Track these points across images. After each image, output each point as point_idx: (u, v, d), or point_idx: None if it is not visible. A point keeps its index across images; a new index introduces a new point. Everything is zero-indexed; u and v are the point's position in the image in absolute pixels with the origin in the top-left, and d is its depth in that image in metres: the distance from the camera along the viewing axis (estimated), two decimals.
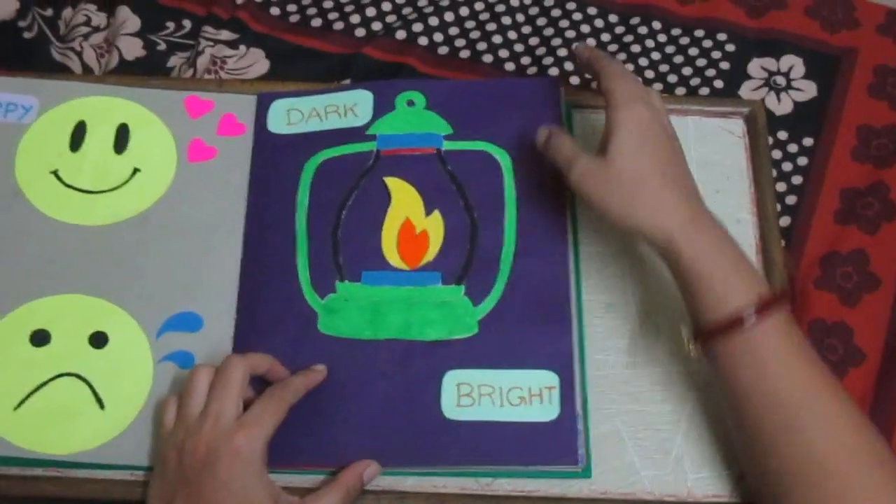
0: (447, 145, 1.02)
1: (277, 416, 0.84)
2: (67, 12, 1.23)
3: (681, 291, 0.85)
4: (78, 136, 1.03)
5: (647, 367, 0.95)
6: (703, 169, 1.03)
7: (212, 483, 0.80)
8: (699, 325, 0.83)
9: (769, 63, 1.21)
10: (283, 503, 0.84)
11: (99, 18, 1.23)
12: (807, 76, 1.20)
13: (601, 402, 0.94)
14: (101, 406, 0.93)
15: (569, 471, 0.90)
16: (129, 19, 1.22)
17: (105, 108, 1.05)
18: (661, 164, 0.86)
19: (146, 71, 1.18)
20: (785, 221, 1.10)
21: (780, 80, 1.20)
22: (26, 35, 1.21)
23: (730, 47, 1.22)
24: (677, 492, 0.91)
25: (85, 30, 1.22)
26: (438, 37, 1.23)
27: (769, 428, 0.80)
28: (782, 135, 1.16)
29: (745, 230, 1.01)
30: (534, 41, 1.23)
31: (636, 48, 1.22)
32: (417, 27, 1.23)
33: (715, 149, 1.05)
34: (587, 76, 1.17)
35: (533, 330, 0.93)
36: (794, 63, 1.21)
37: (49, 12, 1.23)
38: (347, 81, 1.18)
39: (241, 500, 0.80)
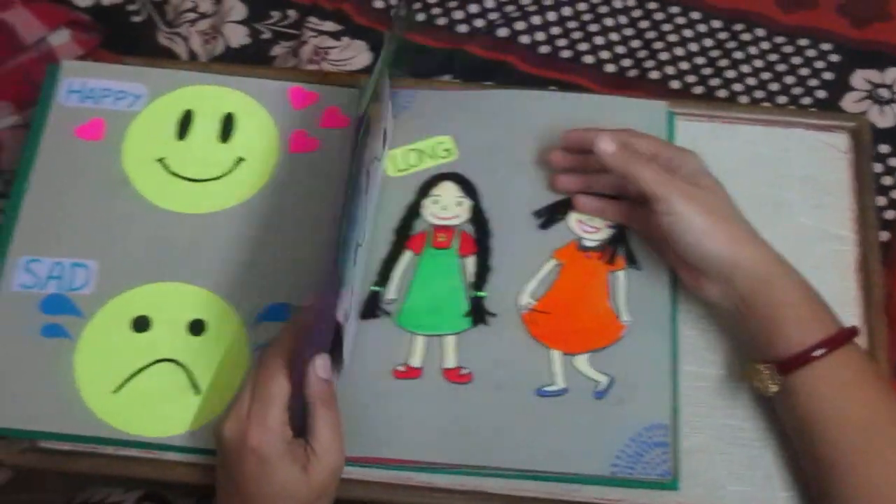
0: None
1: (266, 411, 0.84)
2: None
3: (757, 326, 0.87)
4: (184, 125, 1.04)
5: (739, 381, 0.94)
6: (804, 183, 1.02)
7: (250, 475, 0.82)
8: (783, 356, 0.85)
9: (873, 75, 1.20)
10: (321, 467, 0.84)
11: (206, 5, 1.25)
12: None
13: (692, 415, 0.93)
14: (197, 392, 0.95)
15: (657, 482, 0.90)
16: (235, 7, 1.23)
17: (212, 97, 1.06)
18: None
19: (250, 58, 1.20)
20: (883, 236, 1.09)
21: (884, 93, 1.18)
22: (135, 19, 1.24)
23: (834, 58, 1.21)
24: None
25: (192, 16, 1.24)
26: (540, 36, 1.23)
27: (843, 453, 0.82)
28: (884, 148, 1.15)
29: (844, 248, 0.99)
30: (635, 44, 1.23)
31: (739, 55, 1.22)
32: (520, 25, 1.23)
33: (817, 163, 1.03)
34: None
35: None
36: None
37: None
38: (447, 77, 1.18)
39: (273, 487, 0.82)
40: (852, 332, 0.85)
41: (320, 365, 0.84)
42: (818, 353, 0.83)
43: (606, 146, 0.90)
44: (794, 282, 0.86)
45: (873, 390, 0.84)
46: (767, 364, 0.86)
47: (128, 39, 1.21)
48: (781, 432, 0.92)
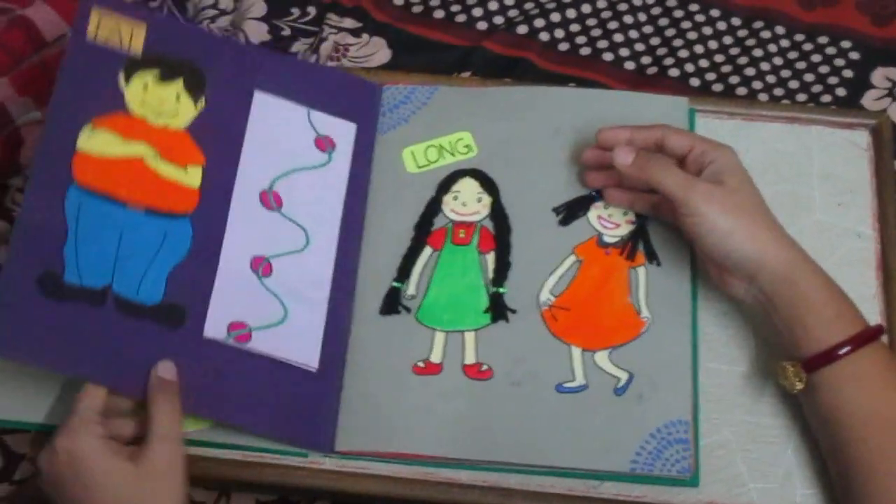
0: None
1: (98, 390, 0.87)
2: None
3: (782, 324, 0.87)
4: None
5: (760, 378, 0.94)
6: (825, 181, 1.02)
7: (82, 482, 0.83)
8: (807, 355, 0.85)
9: (893, 73, 1.20)
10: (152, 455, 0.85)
11: (226, 2, 1.25)
12: None
13: (712, 412, 0.93)
14: None
15: (677, 478, 0.89)
16: (255, 4, 1.24)
17: None
18: (767, 206, 0.90)
19: None
20: None
21: None
22: None
23: (854, 55, 1.21)
24: None
25: (212, 12, 1.24)
26: (559, 33, 1.23)
27: (872, 452, 0.82)
28: None
29: (865, 245, 0.99)
30: (655, 41, 1.23)
31: (758, 52, 1.21)
32: (539, 22, 1.23)
33: (838, 161, 1.03)
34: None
35: None
36: None
37: None
38: (467, 75, 1.19)
39: (108, 479, 0.83)
40: (878, 331, 0.85)
41: (163, 367, 0.88)
42: (843, 350, 0.83)
43: (623, 160, 0.92)
44: (820, 280, 0.86)
45: None
46: (792, 362, 0.87)
47: None
48: (802, 429, 0.92)
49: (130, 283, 0.92)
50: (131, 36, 0.99)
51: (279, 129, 1.02)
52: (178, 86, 0.99)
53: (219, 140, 1.00)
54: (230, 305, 0.95)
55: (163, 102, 0.98)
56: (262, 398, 0.92)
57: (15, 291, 0.89)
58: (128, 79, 0.98)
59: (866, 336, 0.84)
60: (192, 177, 0.97)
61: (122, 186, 0.94)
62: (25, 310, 0.88)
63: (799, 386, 0.86)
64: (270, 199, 0.99)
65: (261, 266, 0.97)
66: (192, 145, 0.99)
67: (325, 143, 1.02)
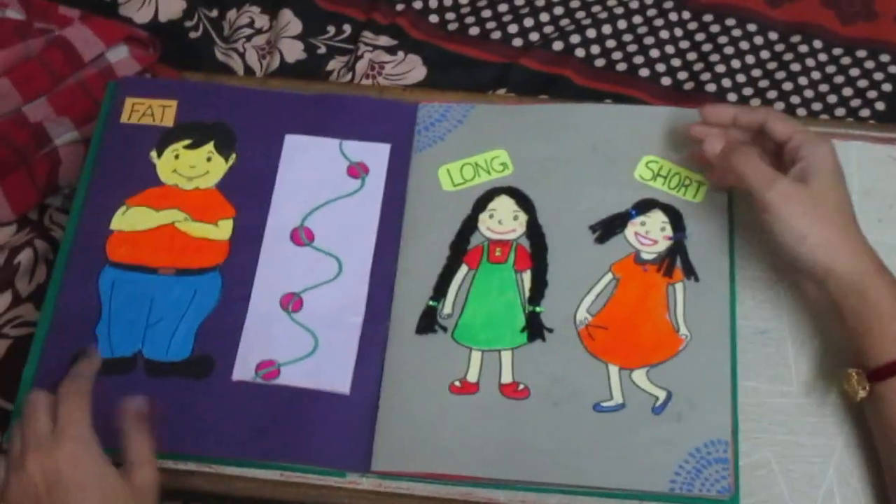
0: None
1: (86, 401, 0.86)
2: (232, 14, 1.26)
3: (850, 332, 0.87)
4: None
5: (799, 396, 0.94)
6: (865, 197, 1.01)
7: (71, 492, 0.81)
8: (874, 364, 0.85)
9: None
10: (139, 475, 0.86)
11: (262, 20, 1.25)
12: None
13: (752, 431, 0.93)
14: None
15: (717, 499, 0.89)
16: (291, 22, 1.24)
17: None
18: (852, 209, 0.89)
19: (306, 74, 1.21)
20: None
21: None
22: (192, 35, 1.25)
23: (893, 69, 1.20)
24: None
25: (248, 31, 1.24)
26: (595, 49, 1.22)
27: None
28: None
29: None
30: (691, 56, 1.22)
31: (796, 67, 1.20)
32: (575, 39, 1.23)
33: (879, 176, 1.03)
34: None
35: None
36: None
37: (214, 13, 1.26)
38: (503, 92, 1.18)
39: (102, 491, 0.82)
40: None
41: (133, 403, 0.90)
42: None
43: (711, 148, 0.93)
44: (890, 293, 0.85)
45: None
46: (857, 369, 0.87)
47: (185, 55, 1.22)
48: (843, 447, 0.92)
49: (160, 345, 0.97)
50: (163, 113, 1.03)
51: (311, 166, 1.04)
52: (208, 148, 1.03)
53: (250, 189, 1.03)
54: (259, 346, 0.97)
55: (194, 167, 1.03)
56: (295, 429, 0.93)
57: (52, 376, 0.93)
58: (160, 153, 1.03)
59: None
60: (222, 230, 1.01)
61: (154, 254, 0.98)
62: None
63: (862, 394, 0.86)
64: (301, 236, 1.01)
65: (291, 303, 0.98)
66: (223, 201, 1.02)
67: (357, 170, 1.03)
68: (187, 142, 1.04)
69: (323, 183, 1.03)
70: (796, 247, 0.86)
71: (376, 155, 1.04)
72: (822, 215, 0.86)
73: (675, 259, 0.97)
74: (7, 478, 0.84)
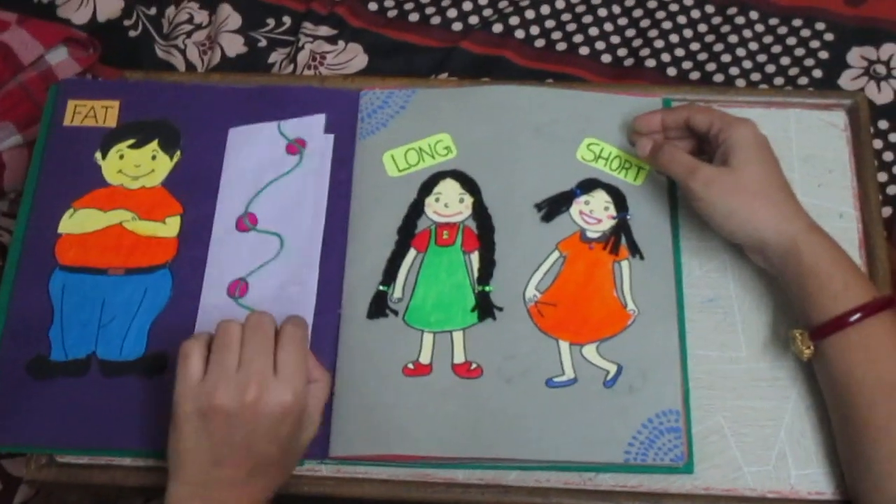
0: None
1: (307, 361, 0.87)
2: (170, 11, 1.26)
3: (793, 294, 0.90)
4: None
5: (749, 362, 0.95)
6: (805, 163, 1.03)
7: (264, 438, 0.82)
8: (816, 323, 0.87)
9: (869, 52, 1.20)
10: (307, 437, 0.88)
11: (201, 16, 1.25)
12: None
13: (703, 399, 0.94)
14: None
15: (671, 466, 0.90)
16: (230, 16, 1.24)
17: None
18: (779, 177, 0.92)
19: (248, 67, 1.21)
20: (886, 212, 1.10)
21: (881, 69, 1.19)
22: (131, 34, 1.25)
23: (828, 36, 1.21)
24: (780, 488, 0.91)
25: (188, 27, 1.24)
26: (535, 30, 1.23)
27: (881, 415, 0.84)
28: (883, 124, 1.15)
29: (848, 224, 1.00)
30: (630, 33, 1.23)
31: (734, 38, 1.22)
32: (514, 20, 1.24)
33: (817, 142, 1.04)
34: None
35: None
36: (894, 52, 1.20)
37: (153, 11, 1.26)
38: (445, 75, 1.19)
39: (287, 449, 0.85)
40: (889, 302, 0.87)
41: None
42: (854, 318, 0.85)
43: (641, 152, 0.98)
44: (826, 253, 0.88)
45: None
46: (801, 330, 0.89)
47: (126, 54, 1.22)
48: (794, 411, 0.93)
49: (113, 345, 0.96)
50: (106, 114, 1.03)
51: (253, 153, 1.04)
52: (152, 146, 1.03)
53: (196, 185, 1.03)
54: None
55: (139, 166, 1.03)
56: None
57: (6, 382, 0.94)
58: (104, 154, 1.03)
59: (877, 305, 0.86)
60: (170, 228, 1.01)
61: (103, 255, 0.98)
62: (16, 397, 0.93)
63: (807, 353, 0.89)
64: (246, 222, 1.01)
65: (237, 288, 0.98)
66: (170, 198, 1.02)
67: (296, 147, 1.04)
68: (131, 141, 1.04)
69: (264, 166, 1.03)
70: (726, 225, 0.91)
71: (312, 127, 1.04)
72: (746, 191, 0.90)
73: (620, 237, 0.98)
74: (208, 389, 0.82)
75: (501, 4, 1.25)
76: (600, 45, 1.22)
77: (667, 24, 1.23)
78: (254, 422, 0.81)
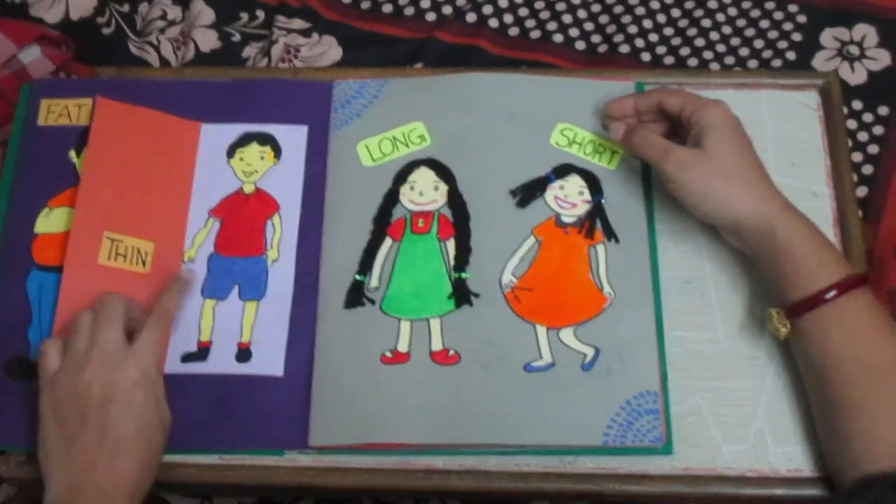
0: None
1: (165, 335, 0.92)
2: (143, 7, 1.25)
3: (768, 273, 0.90)
4: None
5: (726, 342, 0.95)
6: (778, 143, 1.03)
7: (114, 411, 0.84)
8: (791, 301, 0.87)
9: (842, 33, 1.20)
10: (166, 417, 0.89)
11: (174, 12, 1.25)
12: (880, 45, 1.19)
13: (681, 380, 0.94)
14: None
15: (650, 448, 0.90)
16: (203, 11, 1.24)
17: None
18: (752, 157, 0.92)
19: (222, 62, 1.21)
20: (862, 192, 1.10)
21: (854, 50, 1.19)
22: (105, 31, 1.24)
23: (801, 18, 1.22)
24: (759, 467, 0.91)
25: (161, 24, 1.24)
26: (508, 18, 1.24)
27: (858, 391, 0.84)
28: (857, 105, 1.15)
29: (822, 203, 1.00)
30: (604, 19, 1.23)
31: (707, 22, 1.22)
32: (487, 9, 1.24)
33: (790, 122, 1.04)
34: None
35: None
36: (866, 32, 1.20)
37: (125, 8, 1.25)
38: (419, 66, 1.19)
39: (143, 420, 0.85)
40: (863, 279, 0.87)
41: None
42: (829, 295, 0.85)
43: (614, 136, 0.99)
44: (800, 232, 0.88)
45: (885, 332, 0.86)
46: (777, 309, 0.89)
47: (99, 52, 1.22)
48: (771, 390, 0.93)
49: None
50: (79, 112, 1.03)
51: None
52: None
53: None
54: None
55: None
56: (232, 417, 0.94)
57: None
58: (79, 152, 1.02)
59: (852, 282, 0.86)
60: None
61: None
62: None
63: (784, 331, 0.89)
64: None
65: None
66: None
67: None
68: None
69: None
70: (701, 206, 0.91)
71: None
72: (719, 172, 0.90)
73: (595, 221, 0.99)
74: (58, 377, 0.86)
75: None
76: (574, 32, 1.22)
77: (640, 10, 1.23)
78: (101, 395, 0.84)
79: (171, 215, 1.01)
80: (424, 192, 1.01)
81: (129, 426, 0.84)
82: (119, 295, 0.89)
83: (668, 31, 1.22)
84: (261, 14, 1.24)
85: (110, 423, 0.84)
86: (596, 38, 1.22)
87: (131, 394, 0.85)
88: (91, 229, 0.95)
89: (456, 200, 1.00)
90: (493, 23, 1.23)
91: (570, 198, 1.00)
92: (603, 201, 1.00)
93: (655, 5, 1.23)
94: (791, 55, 1.19)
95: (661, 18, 1.22)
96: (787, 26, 1.21)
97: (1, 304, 0.97)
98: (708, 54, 1.20)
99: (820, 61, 1.18)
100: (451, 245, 0.98)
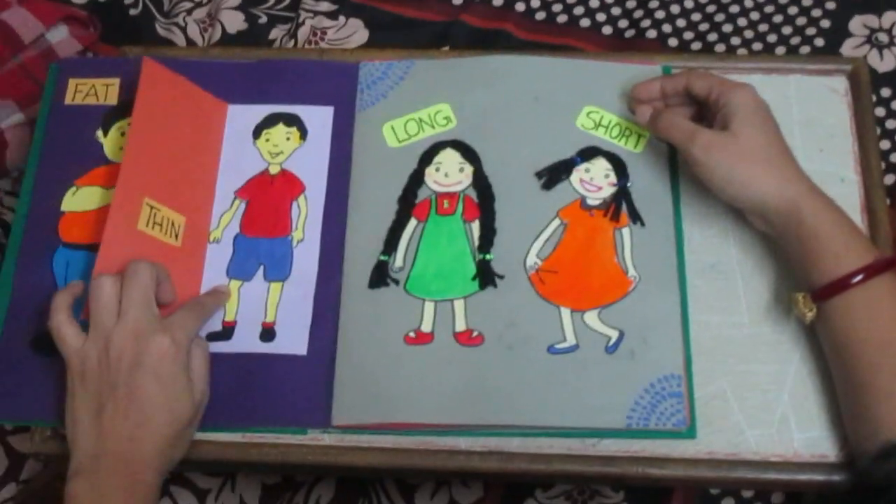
0: None
1: (198, 323, 0.91)
2: None
3: (795, 257, 0.90)
4: None
5: (751, 327, 0.95)
6: (806, 128, 1.02)
7: (143, 379, 0.84)
8: (818, 285, 0.87)
9: (871, 20, 1.20)
10: (199, 393, 0.89)
11: None
12: None
13: (706, 363, 0.94)
14: None
15: (673, 431, 0.90)
16: None
17: None
18: (779, 140, 0.92)
19: (248, 43, 1.21)
20: (889, 179, 1.09)
21: (883, 37, 1.18)
22: (132, 12, 1.25)
23: (830, 5, 1.21)
24: (783, 452, 0.91)
25: (188, 5, 1.25)
26: (535, 2, 1.23)
27: (885, 376, 0.84)
28: (885, 92, 1.15)
29: (849, 189, 1.00)
30: (631, 4, 1.23)
31: (735, 8, 1.22)
32: None
33: (818, 108, 1.04)
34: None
35: None
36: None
37: None
38: (447, 48, 1.19)
39: (172, 392, 0.86)
40: (891, 263, 0.87)
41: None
42: (856, 279, 0.85)
43: (640, 119, 0.99)
44: (827, 216, 0.88)
45: None
46: (803, 293, 0.89)
47: (126, 32, 1.23)
48: (796, 374, 0.93)
49: None
50: (106, 92, 1.03)
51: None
52: None
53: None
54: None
55: None
56: (255, 395, 0.94)
57: (10, 358, 0.95)
58: (105, 131, 1.03)
59: (879, 266, 0.86)
60: None
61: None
62: (21, 372, 0.94)
63: (810, 315, 0.88)
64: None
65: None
66: None
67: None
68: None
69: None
70: (727, 189, 0.91)
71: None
72: (746, 155, 0.90)
73: (621, 204, 0.98)
74: (87, 351, 0.86)
75: None
76: (601, 17, 1.22)
77: None
78: (131, 362, 0.84)
79: (201, 192, 1.01)
80: (450, 173, 1.01)
81: (157, 395, 0.84)
82: (148, 262, 0.89)
83: (696, 16, 1.21)
84: None
85: (137, 391, 0.84)
86: (623, 23, 1.22)
87: (160, 363, 0.85)
88: (133, 193, 0.94)
89: (481, 182, 1.00)
90: (520, 6, 1.23)
91: (595, 180, 0.99)
92: (629, 184, 0.99)
93: None
94: (819, 42, 1.18)
95: (689, 3, 1.22)
96: (816, 13, 1.20)
97: (27, 282, 0.98)
98: (735, 40, 1.19)
99: (848, 48, 1.18)
100: (475, 226, 0.98)
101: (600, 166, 1.00)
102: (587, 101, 1.03)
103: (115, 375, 0.84)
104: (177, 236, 0.97)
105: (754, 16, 1.21)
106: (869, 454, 0.84)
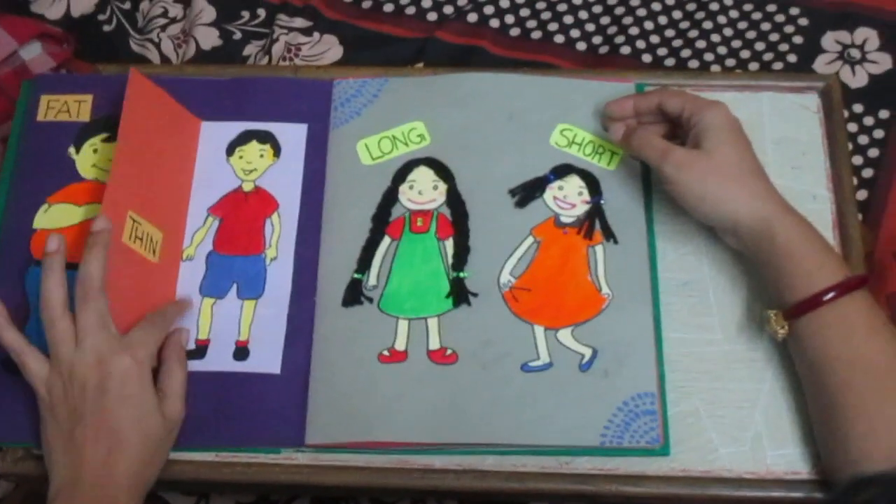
0: None
1: (159, 336, 0.91)
2: (145, 5, 1.26)
3: (767, 274, 0.90)
4: None
5: (724, 344, 0.95)
6: (778, 145, 1.03)
7: (110, 404, 0.85)
8: (790, 303, 0.87)
9: (843, 36, 1.20)
10: (172, 412, 0.89)
11: (175, 10, 1.25)
12: (882, 48, 1.19)
13: (679, 381, 0.94)
14: None
15: (647, 449, 0.90)
16: (204, 9, 1.24)
17: None
18: (751, 158, 0.92)
19: (223, 60, 1.21)
20: (862, 195, 1.10)
21: (855, 53, 1.19)
22: (106, 28, 1.24)
23: (803, 21, 1.22)
24: (756, 469, 0.91)
25: (162, 21, 1.24)
26: (510, 18, 1.23)
27: (856, 394, 0.84)
28: (858, 108, 1.15)
29: (822, 206, 1.00)
30: (605, 20, 1.23)
31: (708, 24, 1.22)
32: (489, 9, 1.24)
33: (790, 125, 1.04)
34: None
35: None
36: (868, 35, 1.20)
37: (127, 5, 1.26)
38: (420, 65, 1.19)
39: (140, 411, 0.86)
40: (863, 280, 0.87)
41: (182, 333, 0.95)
42: (828, 297, 0.85)
43: (614, 137, 1.00)
44: (799, 234, 0.88)
45: (883, 335, 0.86)
46: (775, 310, 0.89)
47: (100, 48, 1.22)
48: (769, 392, 0.93)
49: None
50: (79, 108, 1.03)
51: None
52: None
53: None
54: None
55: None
56: (229, 415, 0.94)
57: None
58: (78, 148, 1.02)
59: (851, 283, 0.86)
60: None
61: (79, 251, 0.93)
62: None
63: (782, 333, 0.89)
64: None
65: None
66: None
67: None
68: (105, 135, 1.03)
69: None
70: (700, 207, 0.91)
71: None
72: (718, 173, 0.90)
73: (595, 222, 0.99)
74: (51, 382, 0.86)
75: None
76: (575, 33, 1.22)
77: (641, 12, 1.23)
78: (95, 389, 0.84)
79: (176, 208, 1.01)
80: (424, 191, 1.01)
81: (125, 418, 0.85)
82: (97, 282, 0.87)
83: (670, 32, 1.22)
84: (262, 12, 1.24)
85: (105, 416, 0.84)
86: (597, 39, 1.22)
87: (124, 385, 0.85)
88: (119, 205, 0.93)
89: (455, 200, 1.00)
90: (495, 23, 1.23)
91: (569, 198, 1.00)
92: (602, 202, 0.99)
93: (657, 6, 1.23)
94: (792, 58, 1.19)
95: (663, 20, 1.22)
96: (789, 29, 1.21)
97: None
98: (709, 56, 1.20)
99: (821, 64, 1.18)
100: (449, 244, 0.98)
101: (574, 184, 1.01)
102: (561, 119, 1.03)
103: (81, 404, 0.84)
104: (154, 252, 0.96)
105: (728, 32, 1.21)
106: (839, 484, 0.84)
